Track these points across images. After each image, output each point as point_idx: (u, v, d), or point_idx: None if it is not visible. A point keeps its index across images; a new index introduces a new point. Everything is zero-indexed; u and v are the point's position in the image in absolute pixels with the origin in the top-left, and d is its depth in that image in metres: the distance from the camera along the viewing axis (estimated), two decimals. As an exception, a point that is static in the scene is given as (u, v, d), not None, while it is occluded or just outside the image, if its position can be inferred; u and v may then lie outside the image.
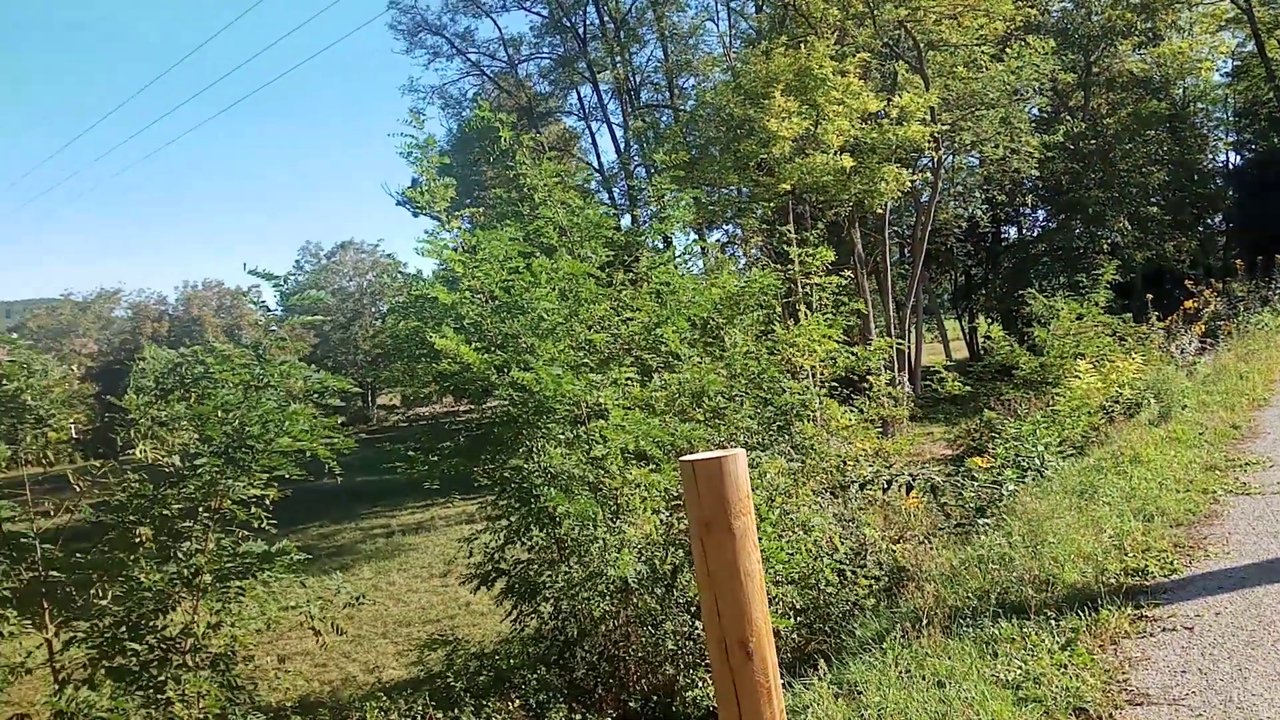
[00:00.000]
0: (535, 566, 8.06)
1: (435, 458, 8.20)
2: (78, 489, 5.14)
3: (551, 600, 7.78)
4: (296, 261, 59.30)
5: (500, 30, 35.43)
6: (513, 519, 8.17)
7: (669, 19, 32.52)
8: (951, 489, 8.67)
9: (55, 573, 4.79)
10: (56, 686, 4.28)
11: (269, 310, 11.59)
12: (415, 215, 41.51)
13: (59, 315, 62.61)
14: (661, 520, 8.05)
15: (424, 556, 17.70)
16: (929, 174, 26.39)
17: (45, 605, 4.71)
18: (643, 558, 7.34)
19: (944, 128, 24.72)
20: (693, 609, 7.19)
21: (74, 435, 5.48)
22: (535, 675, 6.94)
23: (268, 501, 5.59)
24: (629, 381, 8.77)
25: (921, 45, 24.71)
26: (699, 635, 6.92)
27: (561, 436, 8.08)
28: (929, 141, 23.88)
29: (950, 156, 28.45)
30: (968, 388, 16.84)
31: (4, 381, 4.51)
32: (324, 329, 47.92)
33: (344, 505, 24.50)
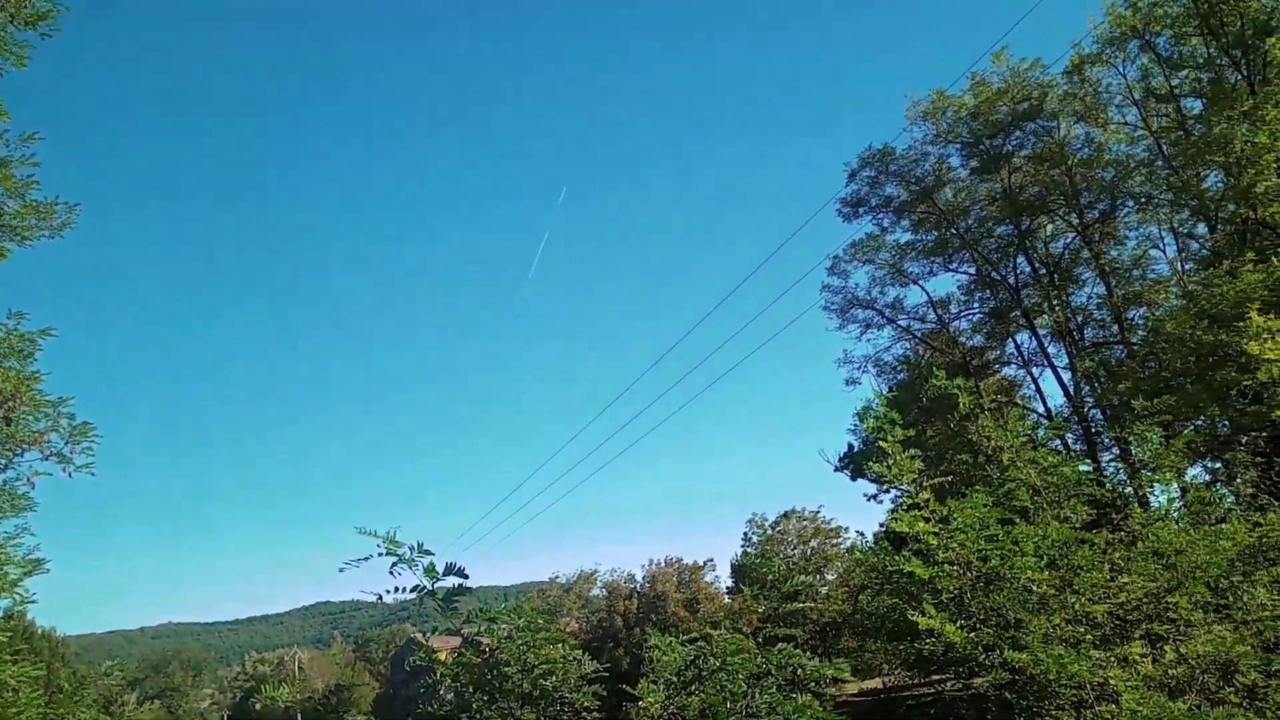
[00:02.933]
0: None
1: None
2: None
3: None
4: (745, 534, 61.52)
5: (928, 294, 36.11)
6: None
7: (1107, 255, 31.20)
8: None
9: None
10: None
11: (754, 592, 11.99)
12: (853, 479, 41.90)
13: (548, 596, 69.75)
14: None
15: None
16: None
17: None
18: None
19: None
20: None
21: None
22: None
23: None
24: (1140, 658, 7.80)
25: None
26: None
27: (1068, 724, 7.29)
28: None
29: None
30: None
31: (550, 676, 5.04)
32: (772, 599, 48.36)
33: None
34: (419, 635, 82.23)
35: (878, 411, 8.71)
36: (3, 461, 11.00)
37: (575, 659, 5.43)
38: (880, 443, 8.58)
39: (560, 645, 5.29)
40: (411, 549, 5.55)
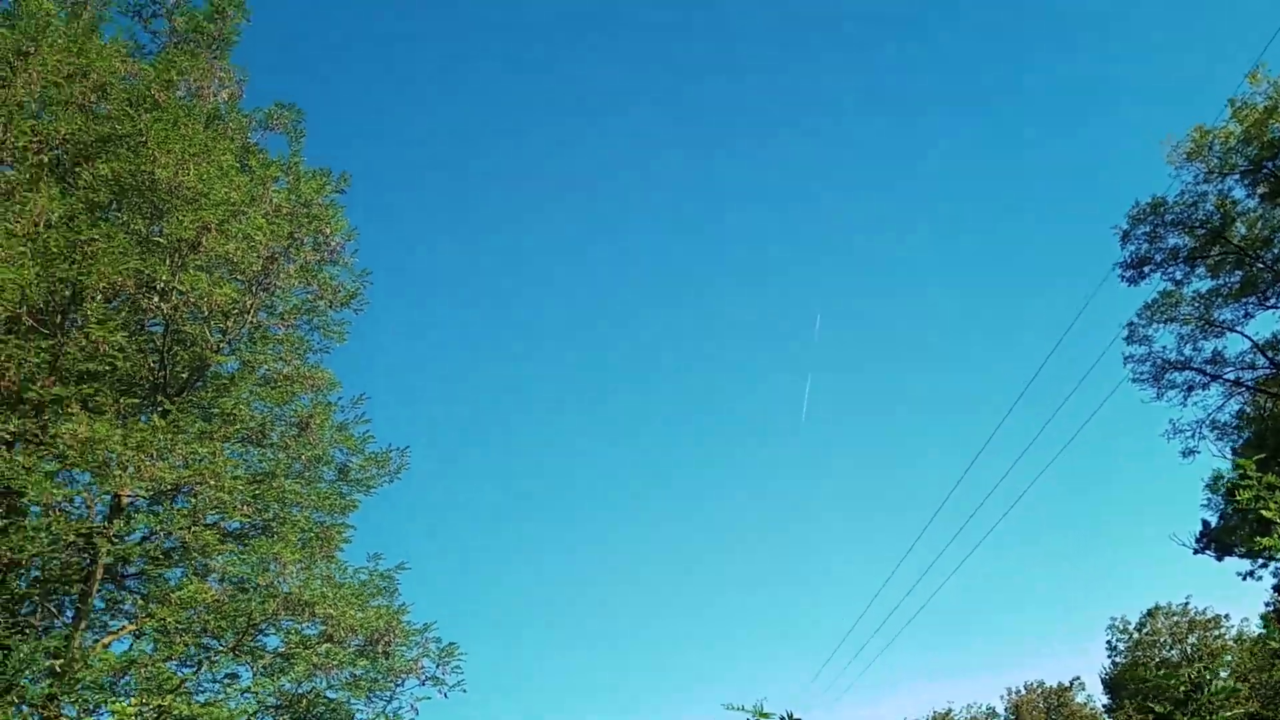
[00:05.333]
0: None
1: None
2: None
3: None
4: (1108, 643, 55.55)
5: (1251, 339, 32.45)
6: None
7: None
8: None
9: None
10: None
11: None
12: (1219, 559, 36.99)
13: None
14: None
15: None
16: None
17: None
18: None
19: None
20: None
21: None
22: None
23: None
24: None
25: None
26: None
27: None
28: None
29: None
30: None
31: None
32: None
33: None
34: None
35: (1242, 479, 7.72)
36: (388, 694, 12.03)
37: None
38: (1263, 512, 7.57)
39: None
40: (782, 718, 5.46)
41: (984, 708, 63.65)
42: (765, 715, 5.46)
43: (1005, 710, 59.24)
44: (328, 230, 14.10)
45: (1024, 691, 58.33)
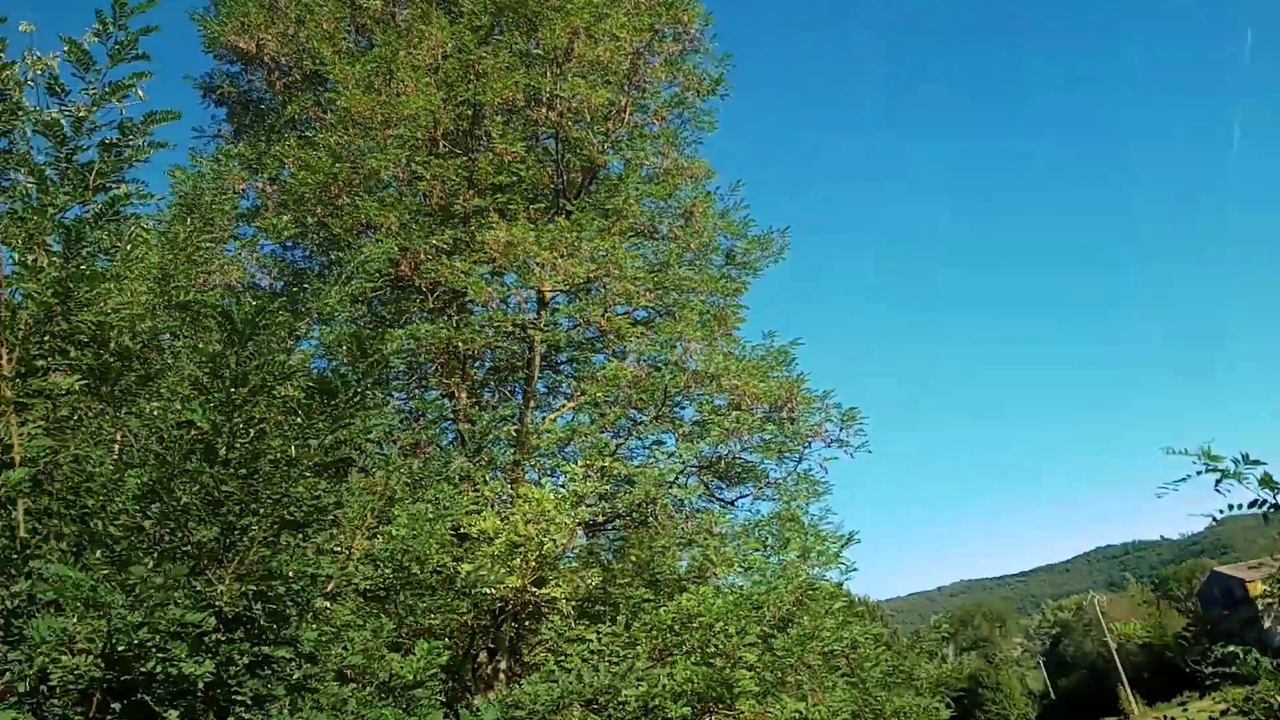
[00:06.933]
0: None
1: None
2: None
3: None
4: None
5: None
6: None
7: None
8: None
9: None
10: None
11: None
12: None
13: None
14: None
15: None
16: None
17: None
18: None
19: None
20: None
21: None
22: None
23: None
24: None
25: None
26: None
27: None
28: None
29: None
30: None
31: None
32: None
33: None
34: (1223, 569, 75.04)
35: None
36: (797, 456, 12.81)
37: None
38: None
39: None
40: (1236, 461, 5.04)
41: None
42: (1215, 458, 5.08)
43: None
44: (685, 18, 14.07)
45: None
